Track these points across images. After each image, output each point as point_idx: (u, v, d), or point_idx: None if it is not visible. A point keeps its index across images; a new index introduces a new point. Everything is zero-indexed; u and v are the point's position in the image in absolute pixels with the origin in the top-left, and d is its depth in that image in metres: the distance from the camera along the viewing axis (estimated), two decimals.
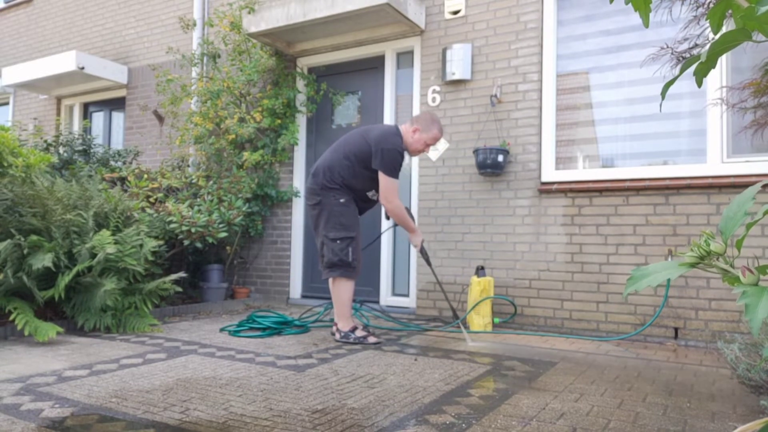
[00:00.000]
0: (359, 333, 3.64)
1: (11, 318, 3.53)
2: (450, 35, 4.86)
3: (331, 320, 4.43)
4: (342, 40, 5.43)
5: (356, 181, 3.71)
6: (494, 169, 4.42)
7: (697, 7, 2.81)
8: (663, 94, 1.01)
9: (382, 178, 3.62)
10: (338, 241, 3.60)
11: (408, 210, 3.87)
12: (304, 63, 5.78)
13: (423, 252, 3.97)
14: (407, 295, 5.12)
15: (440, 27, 4.92)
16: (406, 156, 3.86)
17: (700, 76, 0.92)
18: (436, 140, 3.82)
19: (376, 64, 5.45)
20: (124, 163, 6.29)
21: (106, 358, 3.10)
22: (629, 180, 4.08)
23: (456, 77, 4.70)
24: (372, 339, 3.61)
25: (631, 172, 4.12)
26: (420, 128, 3.74)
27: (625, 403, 2.37)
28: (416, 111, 5.05)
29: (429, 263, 4.04)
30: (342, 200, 3.66)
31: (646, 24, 0.96)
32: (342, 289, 3.65)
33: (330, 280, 3.70)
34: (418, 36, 5.08)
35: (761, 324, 0.94)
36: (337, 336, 3.69)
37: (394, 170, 3.64)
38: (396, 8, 4.65)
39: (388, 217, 3.93)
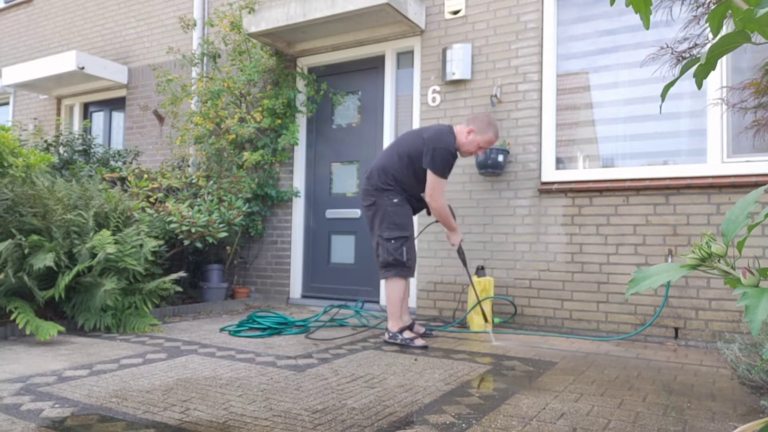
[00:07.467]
0: (407, 335, 3.59)
1: (12, 317, 3.53)
2: (450, 35, 4.85)
3: (331, 321, 4.44)
4: (342, 40, 5.43)
5: (409, 180, 3.69)
6: (494, 169, 4.42)
7: (697, 7, 2.81)
8: (663, 96, 1.01)
9: (430, 176, 3.59)
10: (392, 241, 3.59)
11: (451, 208, 3.85)
12: (304, 63, 5.78)
13: (460, 252, 3.89)
14: None
15: (440, 27, 4.91)
16: None
17: (699, 79, 0.92)
18: (490, 144, 3.73)
19: (376, 64, 5.45)
20: (124, 163, 6.30)
21: (106, 358, 3.11)
22: (629, 180, 4.08)
23: (456, 77, 4.70)
24: (419, 342, 3.53)
25: (632, 172, 4.12)
26: (475, 129, 3.66)
27: (625, 403, 2.37)
28: (416, 111, 5.05)
29: (465, 264, 3.91)
30: (396, 200, 3.65)
31: (647, 26, 0.96)
32: (394, 288, 3.62)
33: (383, 281, 3.67)
34: (418, 36, 5.08)
35: (761, 325, 0.94)
36: (386, 336, 3.66)
37: (443, 170, 3.59)
38: (396, 8, 4.65)
39: (429, 213, 3.89)
